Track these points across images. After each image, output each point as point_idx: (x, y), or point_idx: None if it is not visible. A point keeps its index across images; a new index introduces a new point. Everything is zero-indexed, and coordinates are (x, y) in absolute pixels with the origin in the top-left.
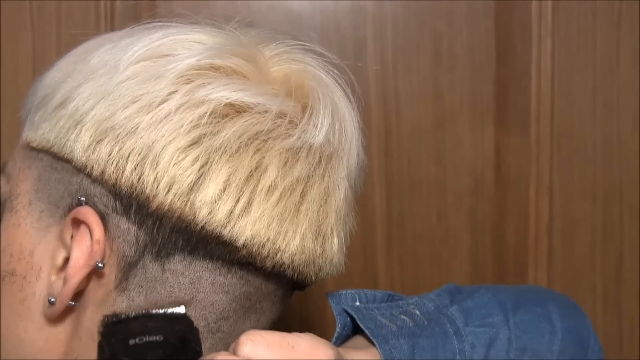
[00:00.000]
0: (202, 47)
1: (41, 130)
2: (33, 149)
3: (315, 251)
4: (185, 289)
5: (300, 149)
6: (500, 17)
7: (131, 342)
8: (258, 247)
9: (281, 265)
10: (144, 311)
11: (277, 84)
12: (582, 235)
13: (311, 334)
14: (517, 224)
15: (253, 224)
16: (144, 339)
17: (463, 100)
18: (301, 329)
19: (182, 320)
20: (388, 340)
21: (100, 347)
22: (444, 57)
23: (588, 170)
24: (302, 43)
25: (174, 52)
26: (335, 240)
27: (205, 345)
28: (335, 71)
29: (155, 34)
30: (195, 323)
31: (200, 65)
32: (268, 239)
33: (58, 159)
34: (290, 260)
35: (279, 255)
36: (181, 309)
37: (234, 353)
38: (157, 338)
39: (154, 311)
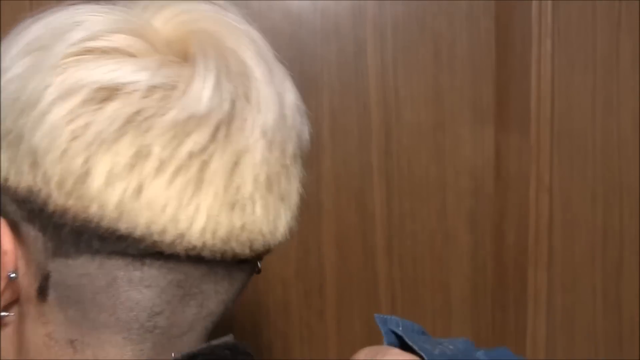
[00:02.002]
0: (77, 32)
1: None
2: None
3: (233, 225)
4: (105, 292)
5: (188, 119)
6: (500, 17)
7: None
8: (159, 235)
9: (193, 249)
10: (200, 346)
11: (161, 54)
12: (582, 235)
13: (399, 351)
14: (517, 224)
15: (145, 212)
16: None
17: (463, 101)
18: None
19: (241, 349)
20: (433, 356)
21: None
22: (444, 57)
23: (588, 170)
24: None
25: (51, 42)
26: (258, 207)
27: (146, 346)
28: (237, 21)
29: (35, 25)
30: (129, 326)
31: (73, 52)
32: (166, 225)
33: None
34: (202, 242)
35: (185, 239)
36: (229, 337)
37: None
38: None
39: (212, 343)
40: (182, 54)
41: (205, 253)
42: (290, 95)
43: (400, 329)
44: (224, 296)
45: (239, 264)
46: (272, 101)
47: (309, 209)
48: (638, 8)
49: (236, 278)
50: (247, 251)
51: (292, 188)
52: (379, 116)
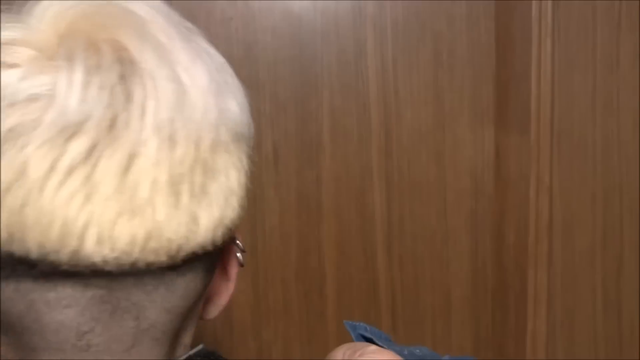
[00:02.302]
0: None
1: None
2: None
3: (134, 234)
4: (28, 316)
5: (62, 130)
6: (500, 17)
7: None
8: (54, 254)
9: (93, 265)
10: None
11: (48, 59)
12: (582, 235)
13: (376, 348)
14: (517, 224)
15: (33, 232)
16: None
17: (463, 101)
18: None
19: (216, 356)
20: (403, 356)
21: None
22: (444, 57)
23: (588, 170)
24: None
25: None
26: (162, 212)
27: None
28: (132, 7)
29: None
30: (62, 347)
31: None
32: (57, 243)
33: None
34: (101, 257)
35: (82, 255)
36: (201, 346)
37: None
38: None
39: (189, 354)
40: (50, 59)
41: (110, 267)
42: (201, 78)
43: (369, 333)
44: (166, 304)
45: (174, 270)
46: (166, 91)
47: (309, 209)
48: (638, 8)
49: (176, 284)
50: (163, 258)
51: (220, 181)
52: (379, 116)
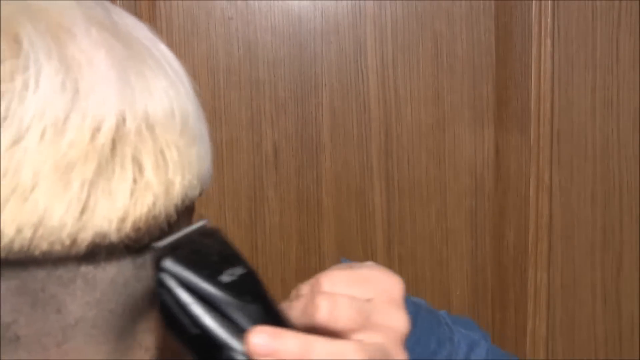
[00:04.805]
0: None
1: None
2: None
3: (22, 221)
4: None
5: None
6: (500, 17)
7: (224, 279)
8: None
9: None
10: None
11: None
12: (582, 235)
13: (373, 263)
14: (517, 224)
15: None
16: (235, 273)
17: (463, 100)
18: None
19: (219, 237)
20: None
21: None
22: (444, 57)
23: (588, 170)
24: None
25: None
26: (45, 198)
27: (20, 354)
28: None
29: None
30: None
31: None
32: None
33: None
34: None
35: None
36: (204, 222)
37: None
38: (243, 270)
39: (187, 232)
40: None
41: (5, 254)
42: (100, 64)
43: None
44: (88, 299)
45: (91, 263)
46: (52, 77)
47: (309, 209)
48: (638, 8)
49: (96, 278)
50: (58, 247)
51: (126, 174)
52: (379, 116)
